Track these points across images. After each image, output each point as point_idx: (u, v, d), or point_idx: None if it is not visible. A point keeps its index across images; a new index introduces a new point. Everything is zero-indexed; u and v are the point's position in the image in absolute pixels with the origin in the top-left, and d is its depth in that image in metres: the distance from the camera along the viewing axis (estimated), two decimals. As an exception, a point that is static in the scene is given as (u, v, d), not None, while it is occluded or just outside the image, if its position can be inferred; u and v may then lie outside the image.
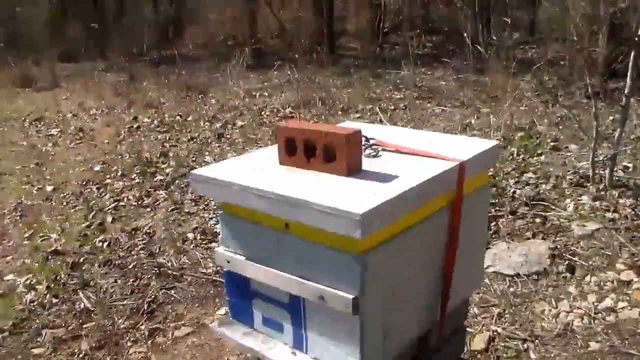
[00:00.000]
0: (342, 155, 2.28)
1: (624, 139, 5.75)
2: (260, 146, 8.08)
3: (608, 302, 4.02)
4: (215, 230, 5.45)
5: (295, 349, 2.44)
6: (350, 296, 2.10)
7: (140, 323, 4.09)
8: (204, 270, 4.77)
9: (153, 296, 4.40)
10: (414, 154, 2.53)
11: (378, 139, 2.65)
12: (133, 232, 5.56)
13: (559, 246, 4.73)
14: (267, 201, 2.16)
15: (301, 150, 2.37)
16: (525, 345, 3.62)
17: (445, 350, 2.81)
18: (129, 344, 3.82)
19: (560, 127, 8.29)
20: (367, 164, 2.36)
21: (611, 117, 8.23)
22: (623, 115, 5.53)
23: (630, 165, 6.24)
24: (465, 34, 13.17)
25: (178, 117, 10.35)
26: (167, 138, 9.00)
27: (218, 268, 4.75)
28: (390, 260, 2.22)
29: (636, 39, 5.38)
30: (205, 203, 6.14)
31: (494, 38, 13.12)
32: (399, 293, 2.35)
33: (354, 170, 2.30)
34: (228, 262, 2.50)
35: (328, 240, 2.13)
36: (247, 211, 2.34)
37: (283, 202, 2.11)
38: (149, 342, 3.90)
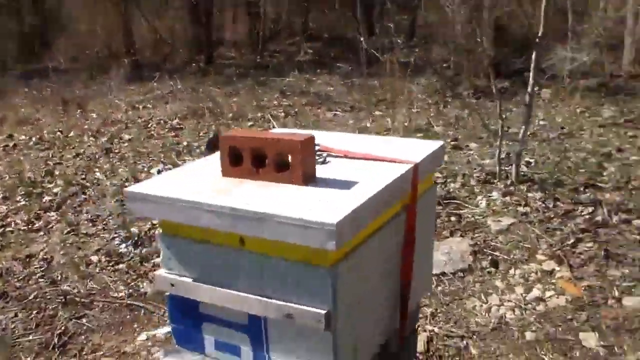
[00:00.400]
0: (296, 163, 2.17)
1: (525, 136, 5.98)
2: (153, 159, 7.77)
3: (536, 292, 4.14)
4: (120, 250, 5.15)
5: None
6: (322, 311, 2.01)
7: (53, 359, 3.77)
8: (115, 294, 4.48)
9: (62, 327, 4.07)
10: (364, 158, 2.46)
11: (322, 145, 2.56)
12: (27, 259, 5.15)
13: (478, 242, 4.83)
14: (220, 216, 2.02)
15: (248, 160, 2.24)
16: (464, 342, 3.65)
17: (402, 354, 2.77)
18: (45, 385, 3.50)
19: (456, 127, 8.55)
20: (319, 172, 2.27)
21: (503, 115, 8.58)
22: (527, 112, 5.77)
23: (532, 160, 6.52)
24: (353, 39, 13.37)
25: (59, 133, 9.79)
26: (50, 155, 8.48)
27: (131, 291, 4.47)
28: (356, 270, 2.14)
29: (537, 40, 5.62)
30: (104, 222, 5.82)
31: (378, 43, 13.39)
32: (364, 302, 2.28)
33: (310, 178, 2.21)
34: (172, 285, 2.32)
35: (292, 254, 2.02)
36: (193, 229, 2.18)
37: (240, 217, 1.98)
38: (68, 380, 3.60)
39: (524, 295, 4.14)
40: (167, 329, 4.00)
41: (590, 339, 3.67)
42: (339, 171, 2.30)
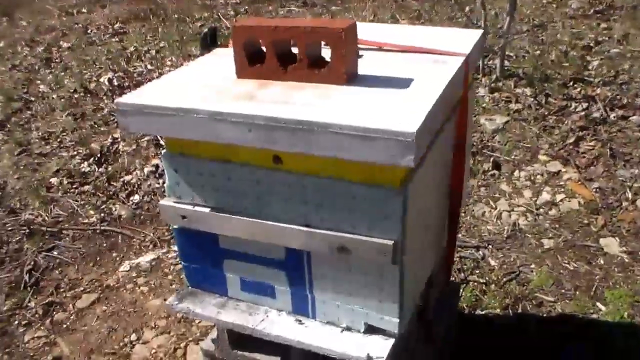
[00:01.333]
0: (338, 58, 1.73)
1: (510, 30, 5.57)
2: (100, 67, 7.10)
3: (545, 196, 3.88)
4: (82, 170, 4.62)
5: (299, 315, 1.95)
6: (389, 242, 1.62)
7: (27, 300, 3.32)
8: (86, 221, 4.01)
9: (31, 263, 3.60)
10: (407, 50, 2.03)
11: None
12: (-24, 188, 4.58)
13: (475, 142, 4.50)
14: (250, 129, 1.58)
15: (273, 56, 1.78)
16: (480, 253, 3.37)
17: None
18: (21, 329, 3.07)
19: (422, 20, 8.06)
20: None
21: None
22: (512, 4, 5.33)
23: (511, 54, 6.14)
24: None
25: (-14, 44, 8.88)
26: (-19, 69, 7.67)
27: (103, 215, 4.00)
28: (421, 188, 1.77)
29: None
30: (59, 140, 5.24)
31: None
32: (424, 226, 1.91)
33: (353, 76, 1.78)
34: (184, 217, 1.91)
35: (349, 173, 1.62)
36: (210, 146, 1.75)
37: (278, 128, 1.54)
38: (47, 321, 3.17)
39: (533, 199, 3.85)
40: (152, 255, 3.59)
41: (612, 245, 3.45)
42: (379, 67, 1.88)
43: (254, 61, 1.80)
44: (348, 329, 1.87)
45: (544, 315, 3.03)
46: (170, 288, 3.36)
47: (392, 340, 1.85)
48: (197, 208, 1.87)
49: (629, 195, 3.84)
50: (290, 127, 1.53)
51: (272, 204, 1.75)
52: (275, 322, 1.93)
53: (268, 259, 1.88)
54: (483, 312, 3.06)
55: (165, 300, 3.17)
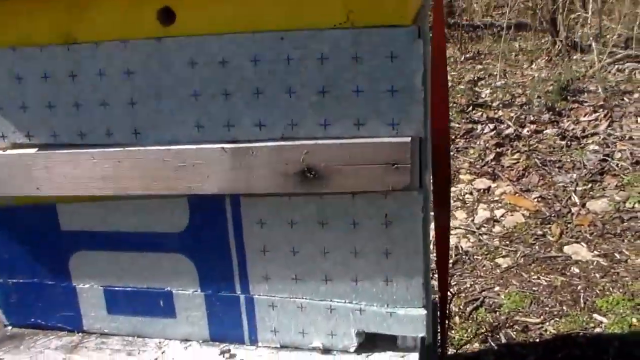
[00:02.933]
0: None
1: None
2: None
3: (483, 213, 3.39)
4: None
5: (225, 342, 1.14)
6: (406, 139, 0.90)
7: None
8: None
9: None
10: None
11: None
12: None
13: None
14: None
15: None
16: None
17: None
18: None
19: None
20: None
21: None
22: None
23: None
24: None
25: None
26: None
27: None
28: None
29: None
30: None
31: None
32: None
33: None
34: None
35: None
36: None
37: None
38: None
39: (469, 219, 3.25)
40: None
41: (580, 252, 2.93)
42: None
43: None
44: (325, 350, 1.09)
45: (538, 340, 2.37)
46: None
47: (416, 356, 1.09)
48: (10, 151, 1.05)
49: (576, 199, 3.37)
50: None
51: (163, 114, 0.96)
52: (182, 358, 1.10)
53: (152, 236, 1.06)
54: (459, 351, 2.31)
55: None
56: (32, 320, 1.27)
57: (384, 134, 0.99)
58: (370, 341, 1.17)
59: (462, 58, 7.32)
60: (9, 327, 1.29)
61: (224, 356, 1.16)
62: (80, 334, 1.26)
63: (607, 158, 3.80)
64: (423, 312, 1.10)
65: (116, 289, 1.20)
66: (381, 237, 1.07)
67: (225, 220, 1.10)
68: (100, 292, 1.22)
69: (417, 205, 1.04)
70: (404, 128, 0.99)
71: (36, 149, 1.12)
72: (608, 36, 6.53)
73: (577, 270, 2.82)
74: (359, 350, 1.16)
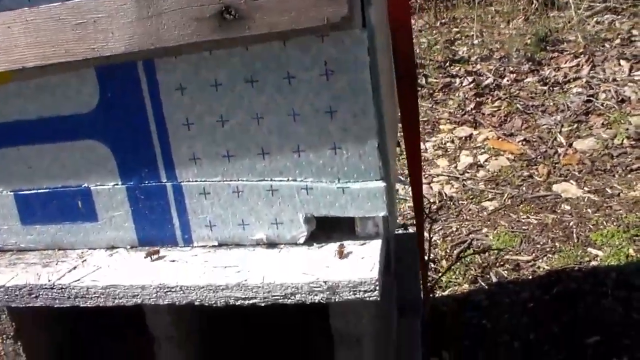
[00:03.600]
0: None
1: None
2: None
3: (466, 160, 3.24)
4: None
5: (155, 245, 0.97)
6: None
7: None
8: None
9: None
10: None
11: None
12: None
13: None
14: None
15: None
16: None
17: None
18: None
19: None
20: None
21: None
22: None
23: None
24: None
25: None
26: None
27: None
28: None
29: None
30: None
31: None
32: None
33: None
34: None
35: None
36: None
37: None
38: None
39: (451, 166, 3.09)
40: None
41: (570, 189, 2.79)
42: None
43: None
44: (270, 245, 0.93)
45: (530, 277, 2.21)
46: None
47: (378, 243, 0.92)
48: None
49: (562, 140, 3.22)
50: None
51: None
52: (105, 266, 0.93)
53: (60, 122, 0.91)
54: (448, 293, 2.17)
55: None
56: None
57: (314, -43, 0.83)
58: (323, 231, 1.01)
59: (437, 24, 7.20)
60: None
61: (150, 258, 0.99)
62: (-16, 253, 1.09)
63: (591, 99, 3.65)
64: (381, 184, 0.94)
65: (27, 192, 1.04)
66: (322, 93, 0.90)
67: (140, 91, 0.93)
68: (10, 199, 1.05)
69: (361, 48, 0.87)
70: (337, -53, 0.83)
71: None
72: (586, -10, 6.41)
73: (567, 207, 2.66)
74: (310, 241, 1.00)
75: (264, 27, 0.85)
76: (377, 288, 0.89)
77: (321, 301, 0.90)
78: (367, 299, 0.89)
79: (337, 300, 0.89)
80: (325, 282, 0.89)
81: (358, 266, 0.92)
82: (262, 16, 0.84)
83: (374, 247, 0.97)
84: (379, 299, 0.89)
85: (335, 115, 0.91)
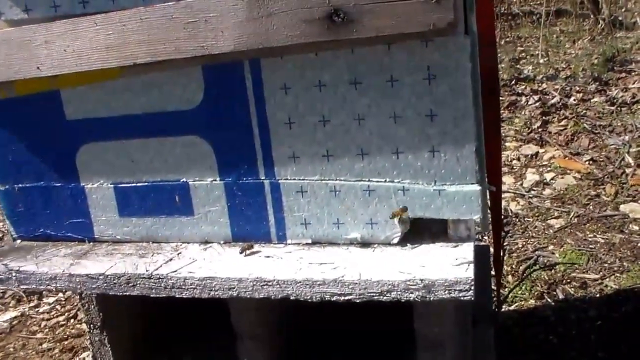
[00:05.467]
0: None
1: None
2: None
3: (532, 177, 3.22)
4: None
5: (249, 240, 0.99)
6: None
7: None
8: None
9: None
10: None
11: None
12: None
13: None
14: None
15: None
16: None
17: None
18: None
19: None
20: None
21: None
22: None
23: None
24: None
25: None
26: None
27: None
28: None
29: None
30: None
31: None
32: None
33: None
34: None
35: None
36: None
37: None
38: None
39: (518, 183, 3.08)
40: (13, 313, 2.50)
41: (637, 210, 2.79)
42: None
43: None
44: (364, 244, 0.94)
45: (598, 295, 2.17)
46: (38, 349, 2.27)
47: (470, 246, 0.97)
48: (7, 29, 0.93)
49: (630, 160, 3.17)
50: None
51: None
52: (200, 259, 0.96)
53: (164, 117, 0.94)
54: (514, 308, 2.16)
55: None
56: (42, 230, 1.15)
57: (422, -35, 0.86)
58: (416, 232, 1.02)
59: (502, 42, 7.15)
60: (18, 241, 1.17)
61: (245, 253, 1.02)
62: (91, 243, 1.14)
63: (660, 120, 3.61)
64: (477, 188, 0.95)
65: (127, 185, 1.08)
66: (424, 96, 0.92)
67: (244, 89, 0.96)
68: (110, 192, 1.09)
69: (464, 54, 0.89)
70: (446, -45, 0.85)
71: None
72: (654, 12, 6.30)
73: (635, 228, 2.63)
74: (403, 242, 1.01)
75: (371, 31, 0.87)
76: (472, 288, 0.89)
77: (416, 299, 0.91)
78: (462, 298, 0.90)
79: (431, 299, 0.90)
80: (421, 280, 0.90)
81: (452, 267, 0.93)
82: (370, 20, 0.87)
83: (467, 249, 0.98)
84: (473, 298, 0.90)
85: (436, 119, 0.93)
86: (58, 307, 2.61)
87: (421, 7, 0.86)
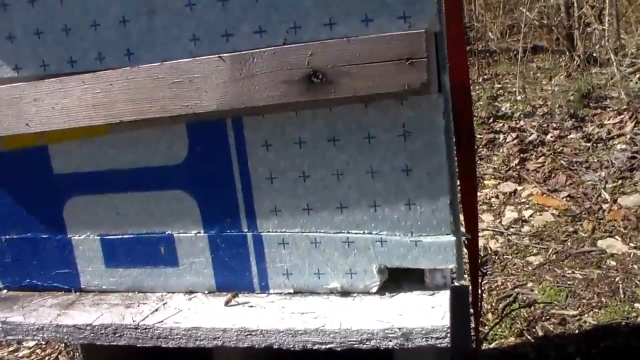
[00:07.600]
0: None
1: None
2: None
3: (510, 215, 3.29)
4: None
5: (231, 290, 1.03)
6: (421, 30, 0.85)
7: None
8: None
9: None
10: None
11: None
12: None
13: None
14: None
15: None
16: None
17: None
18: None
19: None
20: None
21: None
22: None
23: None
24: None
25: None
26: None
27: None
28: None
29: None
30: None
31: None
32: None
33: None
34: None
35: None
36: None
37: None
38: None
39: (496, 221, 3.12)
40: None
41: (615, 245, 2.81)
42: None
43: None
44: (344, 293, 0.98)
45: (577, 331, 2.22)
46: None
47: (446, 294, 1.04)
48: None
49: (606, 196, 3.24)
50: None
51: (156, 31, 0.89)
52: (185, 309, 0.99)
53: (149, 173, 0.98)
54: (494, 346, 2.19)
55: None
56: (28, 281, 1.17)
57: (395, 29, 0.90)
58: (394, 281, 1.06)
59: (480, 80, 7.25)
60: (4, 291, 1.20)
61: (228, 304, 1.05)
62: (77, 293, 1.16)
63: (636, 155, 3.68)
64: (452, 238, 0.99)
65: (113, 237, 1.11)
66: (400, 153, 0.97)
67: (227, 146, 1.00)
68: (97, 243, 1.12)
69: (437, 112, 0.94)
70: (417, 20, 0.90)
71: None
72: (627, 49, 6.44)
73: (613, 263, 2.68)
74: (382, 290, 1.05)
75: (348, 91, 0.92)
76: (448, 335, 0.93)
77: (395, 347, 0.94)
78: (438, 345, 0.93)
79: (410, 346, 0.94)
80: (399, 328, 0.93)
81: (429, 315, 0.97)
82: (348, 81, 0.92)
83: (443, 297, 1.02)
84: (449, 345, 0.93)
85: (411, 174, 0.97)
86: (38, 350, 2.60)
87: (396, 68, 0.90)
